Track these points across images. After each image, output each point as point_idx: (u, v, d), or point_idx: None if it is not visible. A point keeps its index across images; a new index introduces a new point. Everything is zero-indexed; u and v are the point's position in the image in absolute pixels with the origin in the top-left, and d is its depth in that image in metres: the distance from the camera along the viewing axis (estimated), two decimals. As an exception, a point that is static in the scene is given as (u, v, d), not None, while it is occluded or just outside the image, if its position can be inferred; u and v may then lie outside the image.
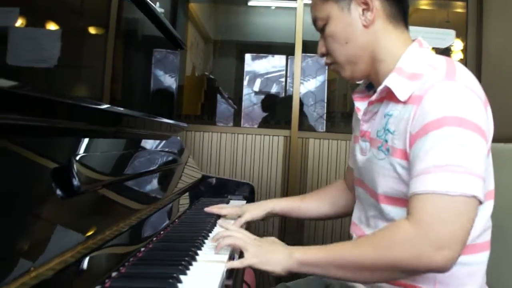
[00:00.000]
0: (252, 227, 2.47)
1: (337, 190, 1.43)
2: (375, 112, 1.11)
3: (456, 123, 0.91)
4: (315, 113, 3.46)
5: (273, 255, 0.98)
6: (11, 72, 0.83)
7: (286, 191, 2.56)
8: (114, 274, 0.81)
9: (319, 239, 2.55)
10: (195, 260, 0.95)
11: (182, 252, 0.96)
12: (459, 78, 0.97)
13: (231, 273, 0.94)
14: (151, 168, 1.43)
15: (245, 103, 3.74)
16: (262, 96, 3.65)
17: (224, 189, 1.97)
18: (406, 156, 0.99)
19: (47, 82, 0.98)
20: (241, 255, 1.03)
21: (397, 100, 1.02)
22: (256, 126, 3.30)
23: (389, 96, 1.05)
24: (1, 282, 0.56)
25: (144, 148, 1.51)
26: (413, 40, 1.09)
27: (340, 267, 0.94)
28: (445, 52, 2.69)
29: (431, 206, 0.88)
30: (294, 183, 2.55)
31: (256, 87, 3.84)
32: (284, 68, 3.88)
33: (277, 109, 3.40)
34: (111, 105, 1.30)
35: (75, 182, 0.85)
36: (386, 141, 1.04)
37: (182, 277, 0.82)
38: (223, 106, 3.65)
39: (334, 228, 2.53)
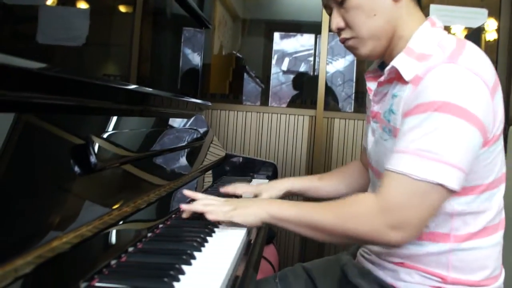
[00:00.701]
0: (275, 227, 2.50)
1: (354, 170, 1.42)
2: (385, 93, 1.09)
3: (445, 109, 0.89)
4: (343, 93, 3.44)
5: (248, 209, 1.02)
6: (41, 50, 0.85)
7: (311, 172, 2.57)
8: (130, 249, 0.83)
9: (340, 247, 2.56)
10: (210, 236, 0.97)
11: (198, 229, 0.98)
12: (463, 60, 0.93)
13: (247, 248, 0.96)
14: (174, 146, 1.45)
15: (273, 82, 3.73)
16: (290, 76, 3.64)
17: (247, 168, 1.99)
18: None
19: (76, 60, 1.01)
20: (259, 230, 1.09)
21: (404, 81, 1.00)
22: (284, 105, 3.29)
23: (397, 77, 1.03)
24: (18, 254, 0.59)
25: (168, 126, 1.54)
26: (426, 19, 1.06)
27: (306, 226, 0.98)
28: (478, 32, 2.61)
29: (396, 186, 0.92)
30: (318, 164, 2.55)
31: (284, 66, 3.83)
32: (313, 47, 3.85)
33: (304, 88, 3.38)
34: (138, 82, 1.33)
35: (93, 159, 0.88)
36: (389, 121, 1.04)
37: (196, 253, 0.84)
38: (250, 85, 3.65)
39: None
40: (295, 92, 3.44)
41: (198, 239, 0.90)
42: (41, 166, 0.78)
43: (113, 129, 1.08)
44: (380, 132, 1.08)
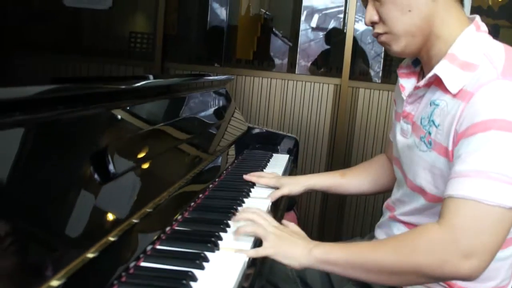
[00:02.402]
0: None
1: (378, 166, 1.41)
2: (421, 96, 1.09)
3: (506, 128, 0.88)
4: (373, 51, 3.40)
5: (292, 249, 0.96)
6: (68, 14, 0.92)
7: (333, 144, 2.61)
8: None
9: (360, 215, 2.62)
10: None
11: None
12: None
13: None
14: (197, 127, 1.52)
15: (301, 39, 3.71)
16: (319, 33, 3.61)
17: (269, 141, 2.04)
18: (447, 154, 0.97)
19: (104, 19, 1.07)
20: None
21: (445, 89, 0.99)
22: (311, 62, 3.28)
23: (437, 82, 1.02)
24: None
25: (190, 105, 1.60)
26: (471, 21, 1.03)
27: (359, 268, 0.93)
28: None
29: (465, 212, 0.87)
30: (341, 135, 2.59)
31: (314, 23, 3.79)
32: (343, 3, 3.79)
33: (332, 46, 3.36)
34: (164, 38, 1.38)
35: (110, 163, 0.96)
36: (430, 133, 1.02)
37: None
38: (278, 43, 3.65)
39: (375, 204, 2.58)
40: (324, 48, 3.42)
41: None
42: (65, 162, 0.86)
43: (139, 111, 1.16)
44: (416, 141, 1.07)
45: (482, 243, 0.86)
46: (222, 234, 1.00)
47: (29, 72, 0.87)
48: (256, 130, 2.09)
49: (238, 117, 2.05)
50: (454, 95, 0.97)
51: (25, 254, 0.66)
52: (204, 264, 0.86)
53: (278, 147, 2.03)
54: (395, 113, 1.25)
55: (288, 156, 1.93)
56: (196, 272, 0.82)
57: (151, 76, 1.47)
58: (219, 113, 1.82)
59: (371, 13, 1.05)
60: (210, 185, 1.37)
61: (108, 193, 0.90)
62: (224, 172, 1.54)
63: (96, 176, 0.88)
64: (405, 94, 1.12)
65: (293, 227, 1.08)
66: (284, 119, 2.67)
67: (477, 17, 1.03)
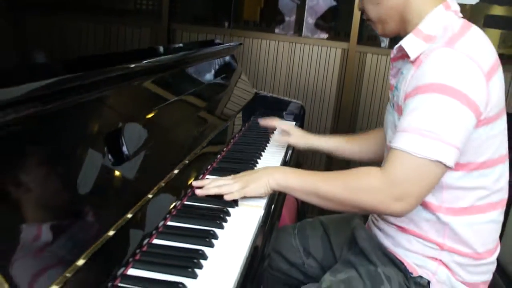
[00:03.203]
0: (301, 152, 2.61)
1: (378, 138, 1.47)
2: (399, 69, 1.20)
3: (443, 91, 0.99)
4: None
5: (257, 182, 1.12)
6: None
7: (339, 110, 2.63)
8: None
9: (364, 165, 2.65)
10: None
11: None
12: (460, 45, 1.03)
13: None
14: (205, 97, 1.55)
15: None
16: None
17: (276, 107, 2.07)
18: (400, 111, 1.10)
19: None
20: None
21: (410, 59, 1.11)
22: (318, 17, 3.23)
23: (406, 55, 1.13)
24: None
25: (197, 75, 1.63)
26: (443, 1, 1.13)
27: (312, 195, 1.09)
28: None
29: (399, 162, 1.02)
30: (347, 101, 2.61)
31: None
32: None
33: (340, 12, 3.32)
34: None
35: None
36: (394, 96, 1.16)
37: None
38: (285, 0, 3.60)
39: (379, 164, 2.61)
40: (332, 4, 3.36)
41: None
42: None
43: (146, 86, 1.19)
44: (389, 106, 1.22)
45: (410, 190, 1.01)
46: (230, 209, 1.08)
47: (30, 34, 0.88)
48: (263, 96, 2.11)
49: (245, 84, 2.07)
50: (413, 63, 1.10)
51: (53, 237, 0.70)
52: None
53: (285, 113, 2.07)
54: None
55: (294, 123, 1.96)
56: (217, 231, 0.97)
57: (160, 48, 1.48)
58: (226, 81, 1.84)
59: (359, 3, 1.23)
60: (219, 156, 1.42)
61: (122, 172, 0.95)
62: (232, 141, 1.58)
63: (111, 156, 0.93)
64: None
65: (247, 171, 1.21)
66: (290, 84, 2.68)
67: None
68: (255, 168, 1.37)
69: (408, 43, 1.11)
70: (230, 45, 1.97)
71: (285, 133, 1.58)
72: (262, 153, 1.52)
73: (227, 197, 1.10)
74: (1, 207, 0.66)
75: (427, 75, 1.02)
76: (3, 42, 0.82)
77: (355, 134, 1.60)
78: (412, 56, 1.09)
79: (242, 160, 1.41)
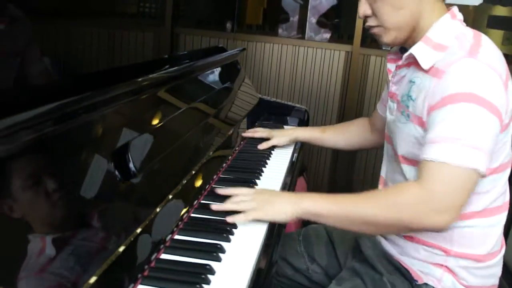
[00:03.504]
0: (306, 156, 2.62)
1: (357, 129, 1.59)
2: (403, 76, 1.20)
3: (470, 100, 1.00)
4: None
5: (278, 205, 1.06)
6: None
7: (343, 113, 2.64)
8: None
9: (369, 168, 2.67)
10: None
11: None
12: (481, 55, 1.04)
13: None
14: (210, 107, 1.56)
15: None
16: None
17: (280, 112, 2.08)
18: (423, 123, 1.09)
19: None
20: None
21: (420, 68, 1.11)
22: (321, 15, 3.23)
23: (415, 63, 1.13)
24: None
25: (202, 84, 1.64)
26: (448, 10, 1.14)
27: (344, 219, 1.05)
28: None
29: (436, 174, 1.00)
30: (351, 104, 2.61)
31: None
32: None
33: (342, 13, 3.32)
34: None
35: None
36: (408, 107, 1.14)
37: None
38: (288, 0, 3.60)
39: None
40: (334, 3, 3.36)
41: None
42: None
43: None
44: (399, 115, 1.18)
45: (450, 200, 1.00)
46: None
47: (35, 39, 0.89)
48: (267, 101, 2.12)
49: (249, 89, 2.08)
50: (426, 71, 1.10)
51: (63, 257, 0.72)
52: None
53: (289, 119, 2.07)
54: (388, 94, 1.33)
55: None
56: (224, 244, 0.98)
57: (163, 58, 1.49)
58: (231, 87, 1.85)
59: (365, 8, 1.14)
60: (224, 165, 1.43)
61: (132, 187, 0.96)
62: (237, 149, 1.60)
63: (119, 172, 0.94)
64: (390, 76, 1.25)
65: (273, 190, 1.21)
66: (294, 87, 2.69)
67: (454, 7, 1.15)
68: (262, 173, 1.40)
69: (419, 52, 1.11)
70: (234, 51, 1.98)
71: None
72: (267, 160, 1.54)
73: (239, 218, 1.04)
74: (13, 224, 0.68)
75: (453, 85, 1.02)
76: None
77: (337, 124, 1.76)
78: (425, 66, 1.09)
79: (248, 169, 1.43)
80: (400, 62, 1.19)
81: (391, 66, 1.25)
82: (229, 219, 1.04)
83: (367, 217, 1.03)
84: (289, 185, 1.44)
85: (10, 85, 0.81)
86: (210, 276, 0.86)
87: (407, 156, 1.16)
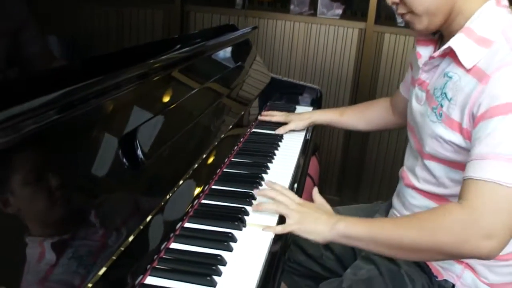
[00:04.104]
0: (319, 135, 2.58)
1: (377, 110, 1.53)
2: (436, 66, 1.11)
3: None
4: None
5: (315, 225, 1.01)
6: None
7: (356, 92, 2.59)
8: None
9: (382, 151, 2.63)
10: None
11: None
12: None
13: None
14: (222, 87, 1.53)
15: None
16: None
17: (293, 93, 2.04)
18: (461, 130, 1.00)
19: None
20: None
21: (459, 63, 1.02)
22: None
23: (452, 54, 1.04)
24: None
25: (214, 64, 1.60)
26: None
27: (381, 244, 0.97)
28: None
29: (485, 194, 0.90)
30: (364, 83, 2.56)
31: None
32: None
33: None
34: None
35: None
36: (442, 105, 1.05)
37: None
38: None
39: (398, 141, 2.58)
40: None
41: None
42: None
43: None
44: (428, 110, 1.10)
45: (501, 225, 0.89)
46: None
47: (33, 18, 0.85)
48: (279, 80, 2.08)
49: (261, 68, 2.04)
50: (468, 71, 1.00)
51: (76, 249, 0.70)
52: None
53: (302, 99, 2.04)
54: (411, 78, 1.27)
55: (311, 108, 1.94)
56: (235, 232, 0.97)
57: (174, 38, 1.46)
58: (243, 67, 1.81)
59: None
60: (235, 147, 1.41)
61: (143, 173, 0.93)
62: (248, 131, 1.57)
63: (129, 159, 0.91)
64: (421, 62, 1.14)
65: (318, 199, 1.12)
66: (306, 65, 2.64)
67: None
68: (275, 153, 1.40)
69: (460, 47, 1.01)
70: (246, 30, 1.93)
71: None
72: (280, 142, 1.53)
73: (278, 229, 1.00)
74: (21, 211, 0.66)
75: (503, 94, 0.92)
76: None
77: (356, 104, 1.67)
78: (468, 65, 1.00)
79: (260, 152, 1.41)
80: (435, 54, 1.09)
81: (421, 50, 1.15)
82: (267, 229, 1.00)
83: (405, 241, 0.95)
84: (302, 166, 1.42)
85: (5, 70, 0.78)
86: (221, 267, 0.84)
87: (432, 153, 1.09)
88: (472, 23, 1.01)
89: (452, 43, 1.02)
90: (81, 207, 0.77)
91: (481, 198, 0.90)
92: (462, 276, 1.09)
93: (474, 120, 0.97)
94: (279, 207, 1.04)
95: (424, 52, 1.15)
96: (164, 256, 0.86)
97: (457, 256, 1.01)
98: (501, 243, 0.90)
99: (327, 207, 1.10)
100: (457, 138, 1.02)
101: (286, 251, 1.02)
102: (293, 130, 1.61)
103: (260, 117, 1.68)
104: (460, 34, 1.01)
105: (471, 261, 1.08)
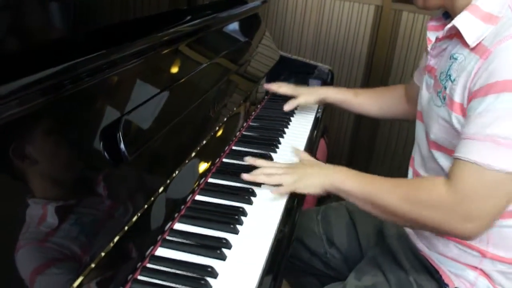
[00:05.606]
0: (328, 116, 2.61)
1: (392, 97, 1.51)
2: (444, 49, 1.11)
3: None
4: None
5: (311, 179, 1.09)
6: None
7: (369, 72, 2.62)
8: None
9: (394, 130, 2.66)
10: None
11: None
12: None
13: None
14: (230, 64, 1.57)
15: None
16: None
17: (302, 71, 2.07)
18: (463, 112, 0.99)
19: None
20: None
21: (465, 43, 1.00)
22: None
23: (458, 35, 1.03)
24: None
25: (222, 40, 1.64)
26: None
27: (371, 204, 1.04)
28: None
29: (470, 177, 0.92)
30: (378, 62, 2.58)
31: None
32: None
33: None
34: None
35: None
36: (445, 88, 1.04)
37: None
38: None
39: (409, 130, 2.60)
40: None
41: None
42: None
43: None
44: (433, 95, 1.10)
45: (483, 208, 0.93)
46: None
47: None
48: (288, 59, 2.11)
49: (270, 45, 2.07)
50: (472, 49, 0.99)
51: (85, 223, 0.75)
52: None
53: (312, 79, 2.06)
54: (425, 67, 1.26)
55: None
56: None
57: (180, 12, 1.49)
58: (251, 43, 1.84)
59: None
60: (244, 124, 1.45)
61: (148, 152, 0.98)
62: (258, 107, 1.62)
63: (134, 134, 0.96)
64: (429, 46, 1.15)
65: (304, 156, 1.23)
66: (318, 43, 2.67)
67: None
68: (284, 134, 1.44)
69: (464, 25, 0.99)
70: (256, 3, 1.96)
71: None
72: (291, 117, 1.58)
73: (276, 191, 1.09)
74: (24, 197, 0.69)
75: (501, 71, 0.90)
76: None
77: (370, 88, 1.63)
78: (471, 42, 0.98)
79: (270, 129, 1.47)
80: (440, 34, 1.08)
81: (431, 35, 1.14)
82: (275, 191, 1.09)
83: (390, 206, 1.01)
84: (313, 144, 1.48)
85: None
86: (226, 251, 0.89)
87: (437, 141, 1.09)
88: (478, 0, 1.00)
89: (456, 21, 1.01)
90: (88, 180, 0.82)
91: (466, 179, 0.93)
92: (476, 283, 1.08)
93: (469, 96, 0.97)
94: (270, 178, 1.10)
95: (434, 37, 1.14)
96: (174, 228, 0.92)
97: (438, 233, 1.07)
98: (482, 226, 0.94)
99: (314, 160, 1.20)
100: (459, 122, 1.01)
101: (293, 233, 1.07)
102: (303, 107, 1.62)
103: (265, 85, 1.67)
104: (465, 12, 1.01)
105: (486, 268, 1.07)
